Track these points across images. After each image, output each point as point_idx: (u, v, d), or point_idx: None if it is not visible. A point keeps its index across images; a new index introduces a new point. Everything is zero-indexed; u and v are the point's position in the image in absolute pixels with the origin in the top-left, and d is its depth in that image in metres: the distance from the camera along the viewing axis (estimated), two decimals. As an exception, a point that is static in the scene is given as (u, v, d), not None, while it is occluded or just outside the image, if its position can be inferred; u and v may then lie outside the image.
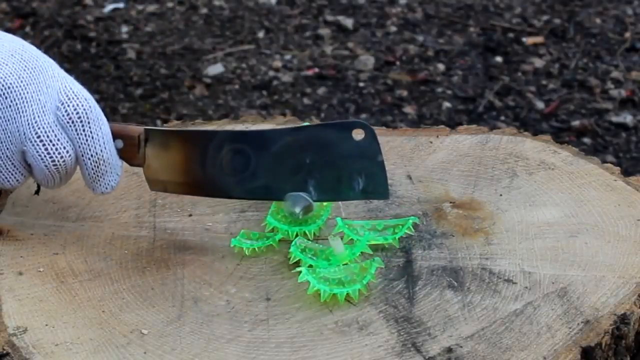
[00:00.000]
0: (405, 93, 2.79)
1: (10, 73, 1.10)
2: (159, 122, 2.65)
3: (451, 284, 1.11)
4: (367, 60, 2.93)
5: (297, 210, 1.16)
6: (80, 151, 1.13)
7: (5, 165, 1.12)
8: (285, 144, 1.16)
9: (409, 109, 2.72)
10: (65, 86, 1.13)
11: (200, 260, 1.15)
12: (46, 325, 1.05)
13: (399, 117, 2.68)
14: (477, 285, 1.11)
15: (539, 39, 3.04)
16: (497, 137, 1.38)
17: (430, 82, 2.84)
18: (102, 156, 1.14)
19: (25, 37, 2.99)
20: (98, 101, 2.80)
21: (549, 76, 2.87)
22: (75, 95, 1.12)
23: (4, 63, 1.10)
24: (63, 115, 1.11)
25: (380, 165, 1.16)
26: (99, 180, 1.14)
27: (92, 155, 1.13)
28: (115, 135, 1.15)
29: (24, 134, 1.10)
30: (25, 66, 1.11)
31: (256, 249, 1.15)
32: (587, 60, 2.95)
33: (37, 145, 1.11)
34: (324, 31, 3.10)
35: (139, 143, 1.17)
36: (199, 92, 2.80)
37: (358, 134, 1.15)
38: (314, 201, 1.16)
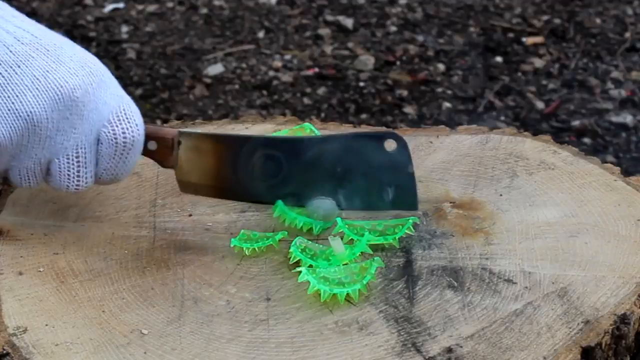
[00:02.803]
0: (405, 93, 2.79)
1: (79, 86, 1.09)
2: (158, 122, 2.65)
3: (451, 284, 1.11)
4: (367, 60, 2.93)
5: (320, 213, 1.16)
6: (105, 169, 1.13)
7: (33, 170, 1.12)
8: (317, 152, 1.17)
9: (409, 109, 2.72)
10: (120, 106, 1.12)
11: (200, 260, 1.15)
12: (46, 325, 1.05)
13: (399, 117, 2.68)
14: (477, 285, 1.11)
15: (539, 39, 3.04)
16: (497, 137, 1.38)
17: (430, 82, 2.84)
18: (120, 179, 1.15)
19: (25, 37, 2.99)
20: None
21: (549, 76, 2.87)
22: (127, 118, 1.12)
23: (75, 74, 1.09)
24: (109, 134, 1.11)
25: (411, 176, 1.18)
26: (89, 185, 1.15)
27: (111, 176, 1.14)
28: (149, 137, 1.16)
29: (66, 148, 1.10)
30: (92, 82, 1.10)
31: (256, 249, 1.15)
32: (587, 60, 2.95)
33: (72, 163, 1.11)
34: (324, 31, 3.10)
35: (173, 145, 1.17)
36: (199, 92, 2.80)
37: (390, 145, 1.16)
38: (342, 209, 1.17)
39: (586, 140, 2.60)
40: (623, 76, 2.85)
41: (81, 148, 1.11)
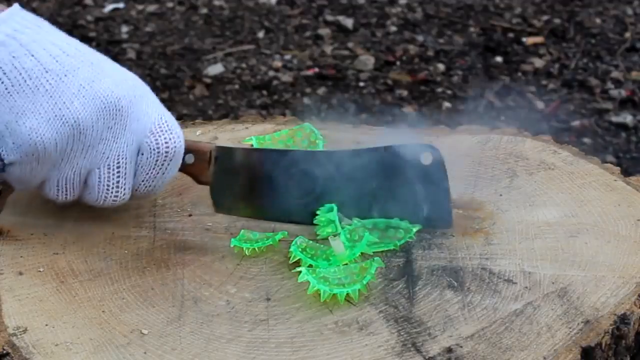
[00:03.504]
0: (405, 93, 2.79)
1: (124, 96, 1.10)
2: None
3: (451, 284, 1.11)
4: (367, 60, 2.93)
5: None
6: (142, 179, 1.14)
7: (72, 180, 1.12)
8: (353, 166, 1.16)
9: (409, 109, 2.72)
10: (162, 117, 1.13)
11: (200, 260, 1.15)
12: (46, 325, 1.05)
13: (399, 117, 2.68)
14: (477, 285, 1.11)
15: (539, 39, 3.04)
16: (497, 137, 1.38)
17: (430, 82, 2.84)
18: (155, 192, 1.15)
19: (25, 37, 2.99)
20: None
21: (549, 76, 2.87)
22: (169, 129, 1.13)
23: (119, 85, 1.10)
24: (151, 143, 1.12)
25: (446, 191, 1.17)
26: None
27: (148, 187, 1.15)
28: (187, 150, 1.16)
29: (108, 158, 1.11)
30: (135, 93, 1.11)
31: (256, 249, 1.15)
32: (587, 60, 2.95)
33: (113, 173, 1.12)
34: (324, 31, 3.10)
35: (210, 159, 1.17)
36: (199, 92, 2.80)
37: (426, 159, 1.15)
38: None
39: (586, 140, 2.60)
40: (623, 76, 2.85)
41: (122, 158, 1.11)
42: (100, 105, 1.08)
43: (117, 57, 2.92)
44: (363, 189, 1.17)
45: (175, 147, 1.13)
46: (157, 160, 1.13)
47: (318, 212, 1.17)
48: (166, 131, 1.13)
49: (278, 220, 1.20)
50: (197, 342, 1.03)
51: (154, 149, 1.12)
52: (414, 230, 1.17)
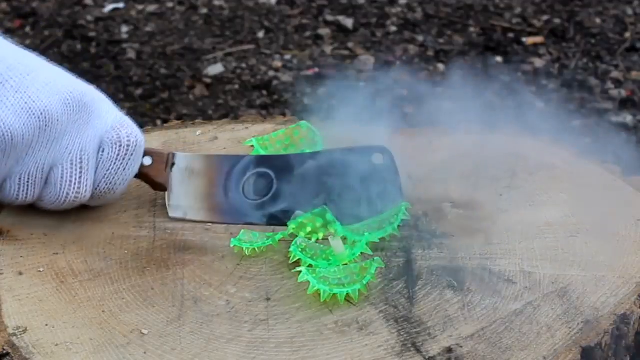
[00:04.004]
0: (405, 93, 2.79)
1: (88, 92, 1.14)
2: (159, 122, 2.65)
3: (451, 284, 1.11)
4: (367, 60, 2.93)
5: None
6: (104, 176, 1.15)
7: (35, 176, 1.13)
8: (307, 167, 1.18)
9: (408, 109, 2.72)
10: (121, 116, 1.17)
11: (200, 260, 1.15)
12: (46, 325, 1.05)
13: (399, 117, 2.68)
14: (477, 285, 1.11)
15: (539, 39, 3.04)
16: (497, 137, 1.38)
17: (430, 82, 2.84)
18: (115, 190, 1.17)
19: (25, 37, 2.99)
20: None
21: (549, 76, 2.87)
22: (130, 125, 1.16)
23: (82, 84, 1.14)
24: (112, 138, 1.14)
25: (399, 188, 1.19)
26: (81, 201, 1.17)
27: (111, 186, 1.16)
28: (145, 152, 1.18)
29: (70, 152, 1.13)
30: (95, 93, 1.15)
31: (256, 249, 1.15)
32: (587, 60, 2.95)
33: (76, 168, 1.13)
34: (324, 31, 3.10)
35: (167, 162, 1.19)
36: (199, 92, 2.80)
37: (377, 159, 1.17)
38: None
39: (586, 140, 2.59)
40: (623, 76, 2.85)
41: (85, 153, 1.13)
42: (65, 98, 1.11)
43: (117, 57, 2.92)
44: (317, 189, 1.18)
45: (136, 140, 1.15)
46: (118, 154, 1.15)
47: (302, 215, 1.17)
48: (128, 126, 1.16)
49: (233, 222, 1.20)
50: (197, 342, 1.03)
51: (115, 142, 1.14)
52: (403, 207, 1.17)
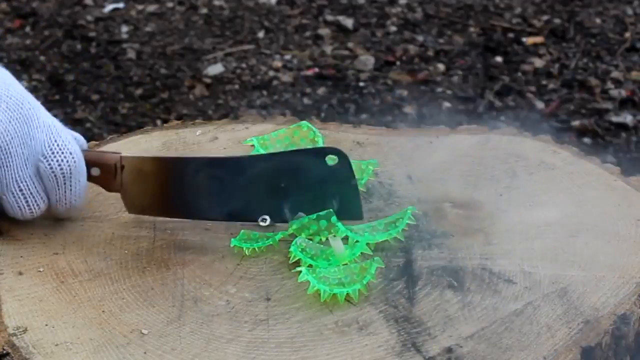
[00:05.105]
0: (405, 93, 2.79)
1: (22, 101, 1.13)
2: (159, 122, 2.65)
3: (451, 284, 1.11)
4: (367, 60, 2.93)
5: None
6: (56, 199, 1.17)
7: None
8: (260, 169, 1.19)
9: (409, 109, 2.72)
10: (50, 138, 1.15)
11: (200, 260, 1.15)
12: (46, 325, 1.05)
13: (399, 117, 2.68)
14: (477, 285, 1.11)
15: (539, 39, 3.04)
16: (497, 137, 1.38)
17: (430, 82, 2.84)
18: (76, 205, 1.18)
19: (25, 37, 2.99)
20: (98, 101, 2.80)
21: (549, 76, 2.87)
22: (60, 150, 1.15)
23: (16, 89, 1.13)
24: (46, 169, 1.15)
25: (354, 188, 1.20)
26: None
27: (66, 204, 1.17)
28: (92, 164, 1.19)
29: (7, 185, 1.14)
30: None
31: (256, 249, 1.15)
32: (587, 60, 2.95)
33: (18, 196, 1.15)
34: (324, 31, 3.10)
35: (115, 170, 1.19)
36: (199, 92, 2.80)
37: (331, 160, 1.18)
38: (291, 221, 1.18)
39: (586, 140, 2.60)
40: (623, 76, 2.85)
41: (22, 182, 1.14)
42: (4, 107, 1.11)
43: (117, 57, 2.92)
44: (272, 188, 1.19)
45: (69, 167, 1.16)
46: (57, 183, 1.16)
47: (305, 217, 1.18)
48: (57, 153, 1.15)
49: (190, 217, 1.20)
50: (197, 342, 1.03)
51: (50, 174, 1.15)
52: (409, 212, 1.17)
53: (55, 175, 1.15)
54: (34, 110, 1.15)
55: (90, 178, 1.19)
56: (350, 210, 1.19)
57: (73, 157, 1.16)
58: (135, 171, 1.19)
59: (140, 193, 1.20)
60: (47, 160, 1.15)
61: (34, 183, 1.15)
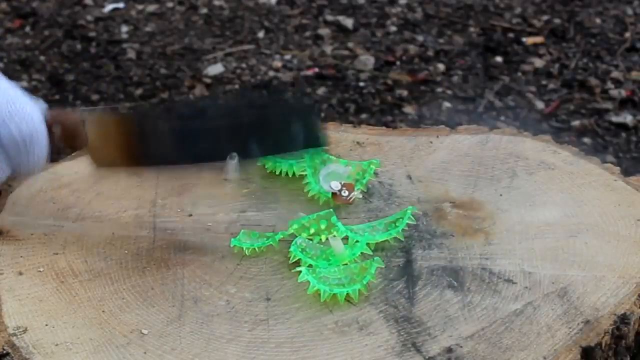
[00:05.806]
0: (405, 93, 2.79)
1: None
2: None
3: (451, 284, 1.11)
4: (367, 60, 2.93)
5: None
6: (17, 165, 1.15)
7: None
8: (220, 111, 1.18)
9: (409, 109, 2.72)
10: (7, 103, 1.13)
11: (200, 260, 1.15)
12: (46, 325, 1.05)
13: (399, 117, 2.68)
14: (477, 285, 1.11)
15: (539, 39, 3.04)
16: (497, 137, 1.38)
17: (430, 82, 2.84)
18: (37, 170, 1.16)
19: (25, 37, 2.99)
20: (98, 101, 2.79)
21: (549, 76, 2.87)
22: (18, 113, 1.13)
23: None
24: (6, 134, 1.13)
25: (316, 115, 1.23)
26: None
27: (31, 169, 1.15)
28: (53, 122, 1.16)
29: None
30: None
31: (256, 249, 1.15)
32: (587, 60, 2.95)
33: None
34: (324, 31, 3.10)
35: (78, 124, 1.17)
36: (199, 92, 2.80)
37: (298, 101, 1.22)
38: (259, 157, 1.21)
39: (586, 140, 2.59)
40: (623, 76, 2.85)
41: None
42: None
43: (117, 57, 2.92)
44: (236, 126, 1.18)
45: (29, 129, 1.13)
46: (18, 147, 1.14)
47: (305, 217, 1.18)
48: (15, 116, 1.13)
49: (159, 164, 1.20)
50: (197, 342, 1.03)
51: (9, 139, 1.13)
52: (409, 212, 1.17)
53: (15, 141, 1.13)
54: None
55: (53, 139, 1.17)
56: (314, 136, 1.19)
57: (32, 119, 1.14)
58: (98, 124, 1.18)
59: (105, 145, 1.18)
60: (6, 126, 1.13)
61: None
